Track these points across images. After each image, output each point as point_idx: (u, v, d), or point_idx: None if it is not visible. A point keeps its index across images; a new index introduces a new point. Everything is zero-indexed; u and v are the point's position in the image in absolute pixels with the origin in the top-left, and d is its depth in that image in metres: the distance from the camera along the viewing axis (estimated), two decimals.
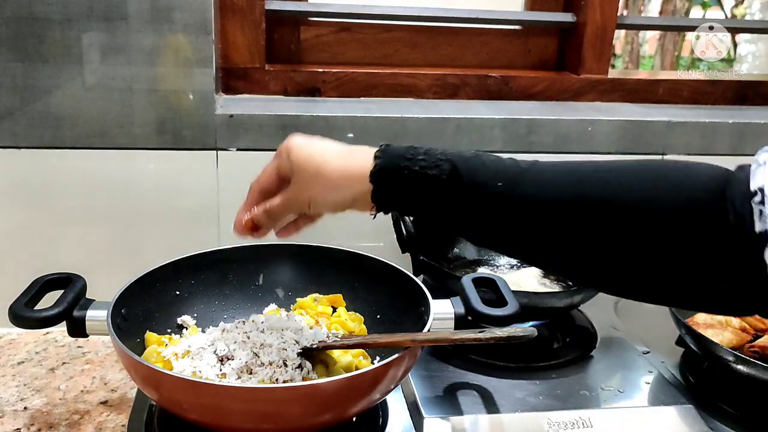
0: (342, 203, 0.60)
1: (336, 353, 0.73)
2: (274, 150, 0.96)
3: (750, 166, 0.47)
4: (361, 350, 0.76)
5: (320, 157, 0.60)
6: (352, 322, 0.80)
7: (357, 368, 0.73)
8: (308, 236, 0.87)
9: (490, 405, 0.77)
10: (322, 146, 0.61)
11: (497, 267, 1.05)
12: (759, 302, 0.48)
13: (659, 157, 1.08)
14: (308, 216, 0.66)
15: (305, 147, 0.61)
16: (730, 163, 0.50)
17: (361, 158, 0.58)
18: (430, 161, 0.55)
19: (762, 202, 0.44)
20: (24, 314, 0.67)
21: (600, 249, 0.51)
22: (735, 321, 0.90)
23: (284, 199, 0.63)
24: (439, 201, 0.56)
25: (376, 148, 0.58)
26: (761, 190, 0.44)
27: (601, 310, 1.00)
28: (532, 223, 0.53)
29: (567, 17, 1.16)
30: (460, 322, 0.72)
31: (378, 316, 0.82)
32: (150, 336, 0.75)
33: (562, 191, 0.52)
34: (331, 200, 0.60)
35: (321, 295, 0.83)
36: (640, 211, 0.49)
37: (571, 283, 0.99)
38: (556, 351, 0.90)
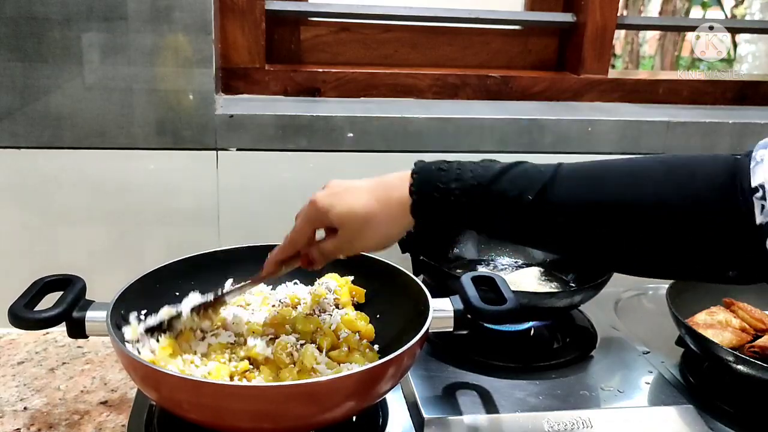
0: (393, 239, 0.66)
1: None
2: (274, 150, 0.98)
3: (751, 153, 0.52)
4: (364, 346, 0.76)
5: (363, 210, 0.64)
6: (360, 321, 0.80)
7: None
8: None
9: (490, 405, 0.77)
10: (357, 195, 0.64)
11: (497, 267, 1.05)
12: (758, 279, 0.55)
13: None
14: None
15: (342, 203, 0.65)
16: None
17: (398, 197, 0.63)
18: (463, 187, 0.60)
19: (763, 198, 0.49)
20: (24, 315, 0.67)
21: (619, 243, 0.58)
22: (735, 321, 0.90)
23: (337, 246, 0.67)
24: (477, 220, 0.62)
25: (409, 179, 0.63)
26: (762, 186, 0.50)
27: (601, 310, 1.00)
28: (559, 226, 0.59)
29: (567, 17, 1.16)
30: (460, 320, 0.72)
31: (378, 316, 0.81)
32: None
33: (581, 197, 0.58)
34: (382, 243, 0.66)
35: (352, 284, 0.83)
36: (651, 210, 0.55)
37: (572, 284, 0.99)
38: (556, 351, 0.90)
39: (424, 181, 0.62)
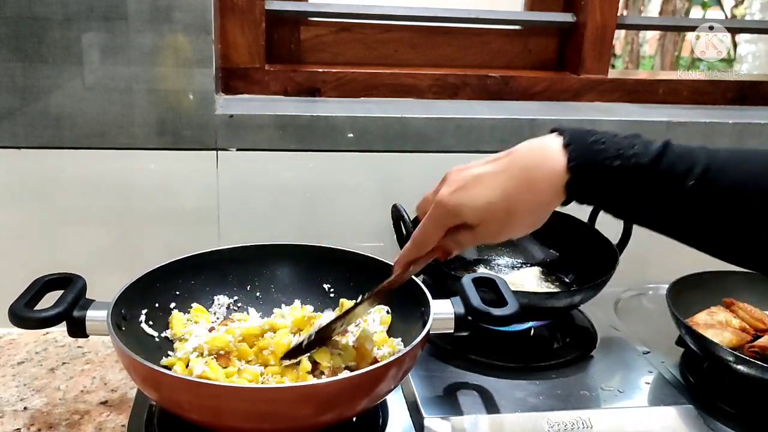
0: (543, 221, 0.59)
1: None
2: (274, 150, 0.98)
3: None
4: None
5: (501, 202, 0.57)
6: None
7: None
8: (308, 236, 0.87)
9: (490, 405, 0.77)
10: (489, 184, 0.57)
11: (497, 267, 1.05)
12: None
13: None
14: None
15: (474, 199, 0.58)
16: None
17: (547, 176, 0.56)
18: (625, 165, 0.54)
19: None
20: (24, 314, 0.67)
21: None
22: (735, 321, 0.90)
23: (476, 240, 0.61)
24: (633, 202, 0.55)
25: (562, 152, 0.56)
26: None
27: (601, 310, 1.00)
28: (719, 211, 0.54)
29: (567, 17, 1.16)
30: (460, 322, 0.72)
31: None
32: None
33: (748, 180, 0.53)
34: (530, 228, 0.60)
35: None
36: None
37: (572, 284, 0.99)
38: (556, 351, 0.90)
39: (582, 156, 0.56)
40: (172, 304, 0.79)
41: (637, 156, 0.54)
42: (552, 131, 0.58)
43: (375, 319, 0.79)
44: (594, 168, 0.55)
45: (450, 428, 0.73)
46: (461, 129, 1.01)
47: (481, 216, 0.58)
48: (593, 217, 1.00)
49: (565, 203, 0.57)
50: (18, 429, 0.74)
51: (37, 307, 0.69)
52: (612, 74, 1.19)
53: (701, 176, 0.53)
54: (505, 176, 0.57)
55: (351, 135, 0.98)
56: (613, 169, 0.54)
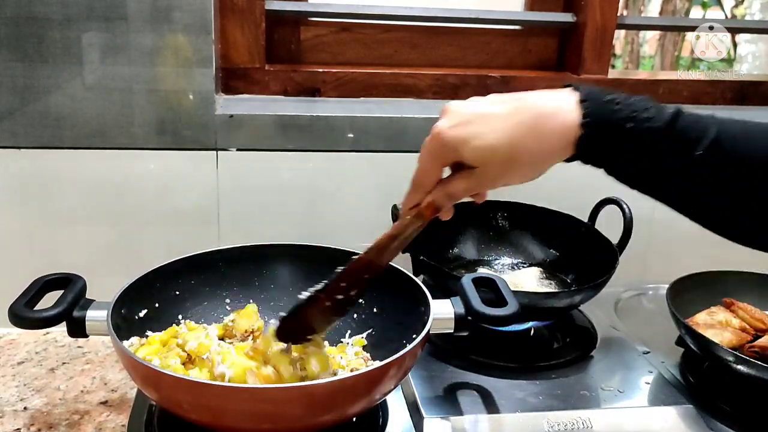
0: (544, 172, 0.57)
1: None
2: (274, 150, 0.98)
3: None
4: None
5: (507, 144, 0.54)
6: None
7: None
8: (308, 236, 0.87)
9: (490, 405, 0.77)
10: (496, 125, 0.55)
11: (497, 267, 1.05)
12: None
13: None
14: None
15: (477, 137, 0.55)
16: None
17: (558, 128, 0.54)
18: (638, 128, 0.53)
19: None
20: (24, 314, 0.67)
21: None
22: (735, 321, 0.90)
23: (472, 186, 0.58)
24: (642, 166, 0.54)
25: (577, 107, 0.54)
26: None
27: (601, 310, 1.00)
28: (726, 180, 0.54)
29: (567, 17, 1.16)
30: (460, 322, 0.72)
31: (378, 317, 0.81)
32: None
33: (755, 151, 0.53)
34: (530, 177, 0.57)
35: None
36: None
37: (572, 284, 0.99)
38: (556, 351, 0.90)
39: (597, 114, 0.53)
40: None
41: (650, 120, 0.53)
42: (565, 86, 0.56)
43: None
44: (608, 127, 0.53)
45: (450, 428, 0.73)
46: None
47: (481, 158, 0.55)
48: (593, 216, 1.00)
49: (569, 160, 0.55)
50: (18, 429, 0.74)
51: (37, 307, 0.69)
52: (612, 74, 1.19)
53: (711, 146, 0.52)
54: (514, 121, 0.55)
55: (351, 135, 0.98)
56: (625, 130, 0.53)
